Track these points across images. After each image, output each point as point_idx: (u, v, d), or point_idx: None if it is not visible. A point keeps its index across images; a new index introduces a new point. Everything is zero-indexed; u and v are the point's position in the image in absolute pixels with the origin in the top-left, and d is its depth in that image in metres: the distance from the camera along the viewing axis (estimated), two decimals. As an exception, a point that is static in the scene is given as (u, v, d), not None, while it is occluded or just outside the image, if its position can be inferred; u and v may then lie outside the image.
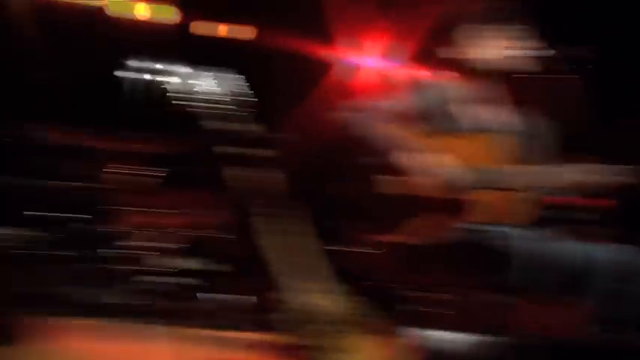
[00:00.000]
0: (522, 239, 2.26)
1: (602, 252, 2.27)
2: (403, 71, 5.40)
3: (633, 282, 2.16)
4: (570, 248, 2.30)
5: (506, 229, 2.33)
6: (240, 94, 2.34)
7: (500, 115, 2.58)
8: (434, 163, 2.40)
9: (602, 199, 2.11)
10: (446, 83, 2.61)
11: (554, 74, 2.14)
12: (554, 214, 2.10)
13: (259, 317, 3.72)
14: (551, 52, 2.19)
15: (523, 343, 1.74)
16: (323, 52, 5.45)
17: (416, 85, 2.59)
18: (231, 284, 4.22)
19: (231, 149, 2.35)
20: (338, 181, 2.62)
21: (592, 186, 2.29)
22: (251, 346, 3.08)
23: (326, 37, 5.45)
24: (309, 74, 5.47)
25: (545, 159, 2.37)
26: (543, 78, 2.24)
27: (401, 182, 2.44)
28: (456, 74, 2.63)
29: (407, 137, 2.45)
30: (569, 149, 2.36)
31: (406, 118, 2.50)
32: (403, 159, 2.41)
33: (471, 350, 1.66)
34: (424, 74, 4.68)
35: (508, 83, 2.55)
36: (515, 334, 2.01)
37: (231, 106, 2.38)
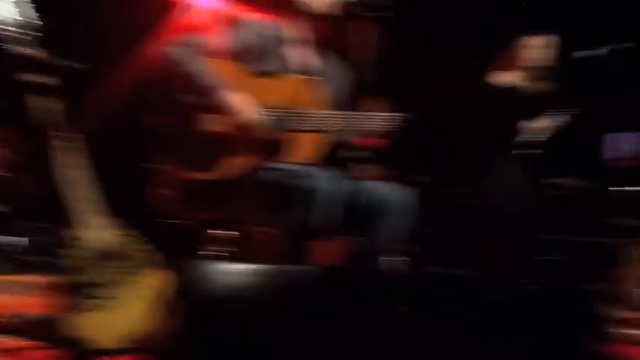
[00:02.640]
0: (319, 179, 2.30)
1: (383, 190, 2.45)
2: (227, 9, 5.28)
3: (404, 217, 2.42)
4: (359, 187, 2.43)
5: (305, 169, 2.36)
6: (27, 17, 2.07)
7: (314, 59, 2.61)
8: (244, 102, 2.38)
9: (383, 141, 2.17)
10: (265, 23, 2.59)
11: (361, 20, 2.13)
12: (350, 155, 2.10)
13: (36, 259, 3.58)
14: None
15: (302, 271, 1.76)
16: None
17: (235, 24, 2.54)
18: (9, 225, 3.88)
19: (19, 77, 2.11)
20: (149, 117, 2.50)
21: (379, 129, 2.41)
22: (26, 287, 2.94)
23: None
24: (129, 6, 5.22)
25: (349, 103, 2.37)
26: (353, 23, 2.20)
27: (212, 120, 2.40)
28: (277, 15, 2.61)
29: (221, 75, 2.41)
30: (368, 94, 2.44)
31: (224, 55, 2.47)
32: (215, 96, 2.37)
33: (251, 279, 1.65)
34: (247, 13, 4.59)
35: (323, 27, 2.56)
36: (295, 264, 2.02)
37: (18, 30, 2.11)
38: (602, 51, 4.09)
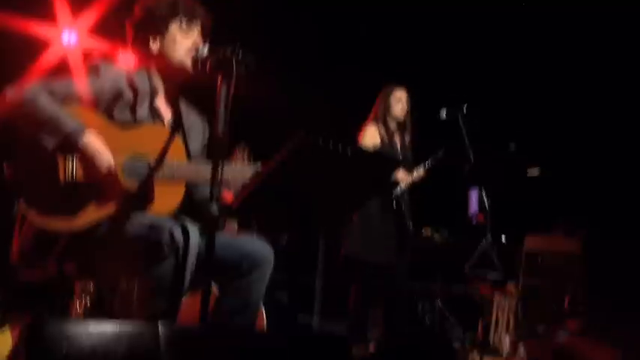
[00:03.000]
0: (183, 231, 2.26)
1: (246, 243, 2.50)
2: (97, 50, 5.17)
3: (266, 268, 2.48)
4: (223, 240, 2.40)
5: (167, 221, 2.31)
6: None
7: (178, 109, 2.60)
8: (103, 149, 2.29)
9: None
10: (133, 71, 2.54)
11: (222, 72, 2.16)
12: (214, 207, 2.08)
13: None
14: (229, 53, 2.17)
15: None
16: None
17: (102, 69, 2.45)
18: None
19: None
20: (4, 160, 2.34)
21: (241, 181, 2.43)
22: None
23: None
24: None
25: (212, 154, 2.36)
26: (214, 75, 2.22)
27: (69, 165, 2.29)
28: (143, 64, 2.57)
29: (82, 121, 2.31)
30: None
31: (87, 102, 2.38)
32: (73, 140, 2.26)
33: (108, 339, 1.59)
34: (115, 57, 4.52)
35: (186, 78, 2.56)
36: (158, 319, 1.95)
37: None
38: (459, 110, 4.37)
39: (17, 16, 5.07)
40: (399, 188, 4.52)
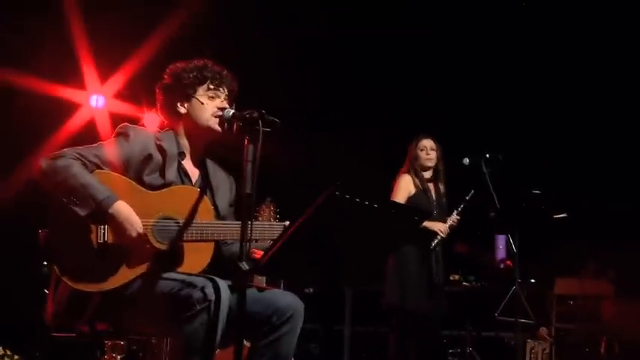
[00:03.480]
0: (214, 288, 2.27)
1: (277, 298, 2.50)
2: (124, 113, 5.33)
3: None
4: (253, 296, 2.43)
5: (199, 279, 2.33)
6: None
7: (205, 170, 2.65)
8: (130, 217, 2.34)
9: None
10: (159, 134, 2.60)
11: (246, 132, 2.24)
12: (247, 264, 2.11)
13: None
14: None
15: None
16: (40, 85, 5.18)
17: (126, 134, 2.52)
18: None
19: None
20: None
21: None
22: None
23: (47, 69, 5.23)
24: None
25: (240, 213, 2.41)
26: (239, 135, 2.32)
27: (101, 229, 2.34)
28: (170, 126, 2.65)
29: (111, 186, 2.37)
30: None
31: (115, 166, 2.44)
32: (104, 207, 2.32)
33: None
34: (143, 120, 4.64)
35: (212, 139, 2.63)
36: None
37: None
38: (482, 157, 4.40)
39: (47, 81, 5.26)
40: (437, 238, 4.50)
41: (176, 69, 2.64)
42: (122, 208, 2.35)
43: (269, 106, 2.26)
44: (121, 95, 5.61)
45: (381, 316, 4.84)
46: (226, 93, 2.63)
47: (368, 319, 6.33)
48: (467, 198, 4.61)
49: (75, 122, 5.47)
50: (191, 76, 2.59)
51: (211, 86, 2.60)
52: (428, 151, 4.68)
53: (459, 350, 5.68)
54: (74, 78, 5.43)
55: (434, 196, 4.67)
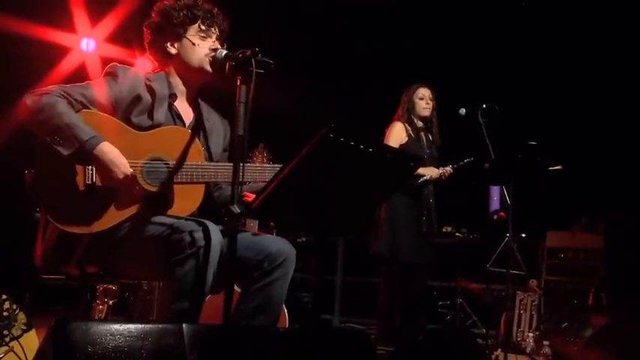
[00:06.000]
0: (206, 231, 2.24)
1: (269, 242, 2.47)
2: (115, 56, 5.23)
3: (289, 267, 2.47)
4: (245, 240, 2.40)
5: (190, 222, 2.30)
6: None
7: (198, 111, 2.59)
8: (116, 159, 2.29)
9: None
10: (150, 75, 2.54)
11: (240, 73, 2.19)
12: (238, 208, 2.08)
13: None
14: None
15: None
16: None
17: (115, 74, 2.46)
18: None
19: None
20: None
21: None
22: None
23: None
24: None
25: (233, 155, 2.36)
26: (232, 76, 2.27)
27: (90, 171, 2.30)
28: (161, 67, 2.58)
29: (100, 127, 2.31)
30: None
31: (105, 107, 2.39)
32: (88, 147, 2.26)
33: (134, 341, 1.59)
34: (134, 62, 4.56)
35: (205, 80, 2.57)
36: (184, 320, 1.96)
37: None
38: (478, 108, 4.35)
39: (37, 25, 5.14)
40: (423, 179, 4.50)
41: (164, 7, 2.54)
42: (107, 149, 2.29)
43: (264, 47, 2.19)
44: (112, 39, 5.49)
45: (372, 266, 4.86)
46: (218, 33, 2.55)
47: (359, 270, 6.38)
48: (465, 160, 4.61)
49: (65, 66, 5.38)
50: (181, 14, 2.51)
51: (203, 26, 2.53)
52: (427, 100, 4.65)
53: (448, 302, 5.73)
54: (64, 21, 5.31)
55: (426, 145, 4.66)
